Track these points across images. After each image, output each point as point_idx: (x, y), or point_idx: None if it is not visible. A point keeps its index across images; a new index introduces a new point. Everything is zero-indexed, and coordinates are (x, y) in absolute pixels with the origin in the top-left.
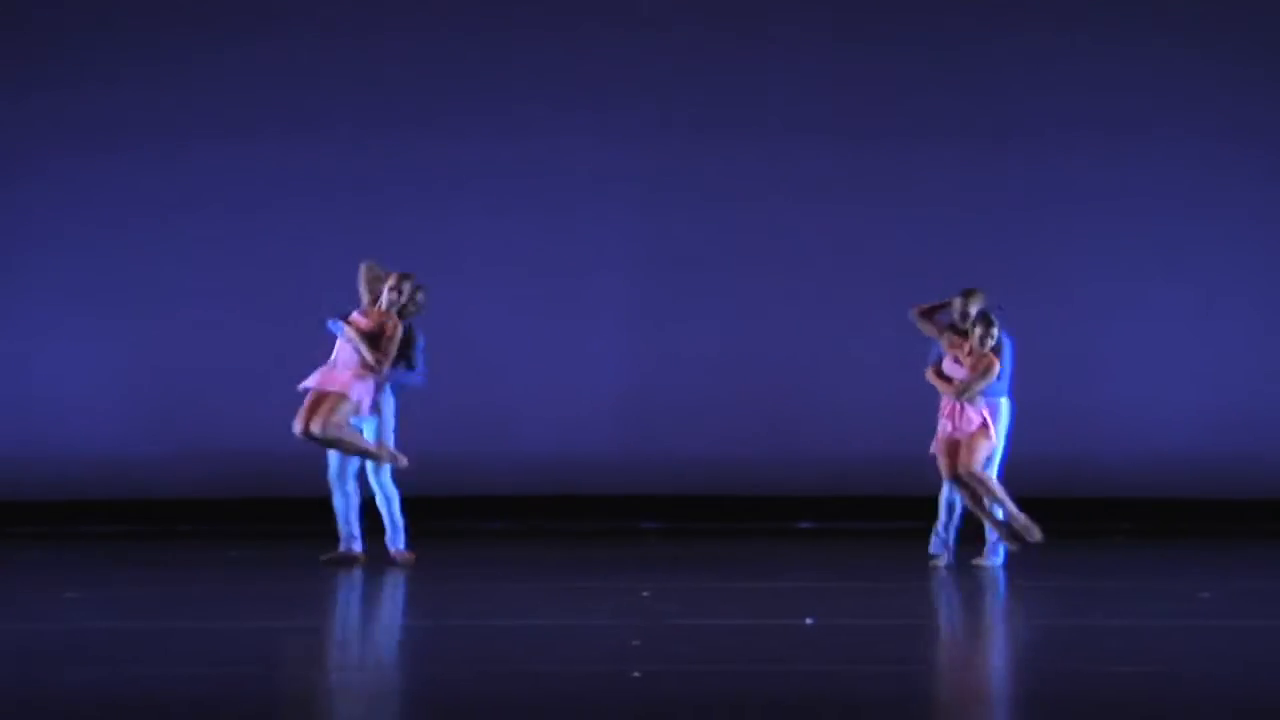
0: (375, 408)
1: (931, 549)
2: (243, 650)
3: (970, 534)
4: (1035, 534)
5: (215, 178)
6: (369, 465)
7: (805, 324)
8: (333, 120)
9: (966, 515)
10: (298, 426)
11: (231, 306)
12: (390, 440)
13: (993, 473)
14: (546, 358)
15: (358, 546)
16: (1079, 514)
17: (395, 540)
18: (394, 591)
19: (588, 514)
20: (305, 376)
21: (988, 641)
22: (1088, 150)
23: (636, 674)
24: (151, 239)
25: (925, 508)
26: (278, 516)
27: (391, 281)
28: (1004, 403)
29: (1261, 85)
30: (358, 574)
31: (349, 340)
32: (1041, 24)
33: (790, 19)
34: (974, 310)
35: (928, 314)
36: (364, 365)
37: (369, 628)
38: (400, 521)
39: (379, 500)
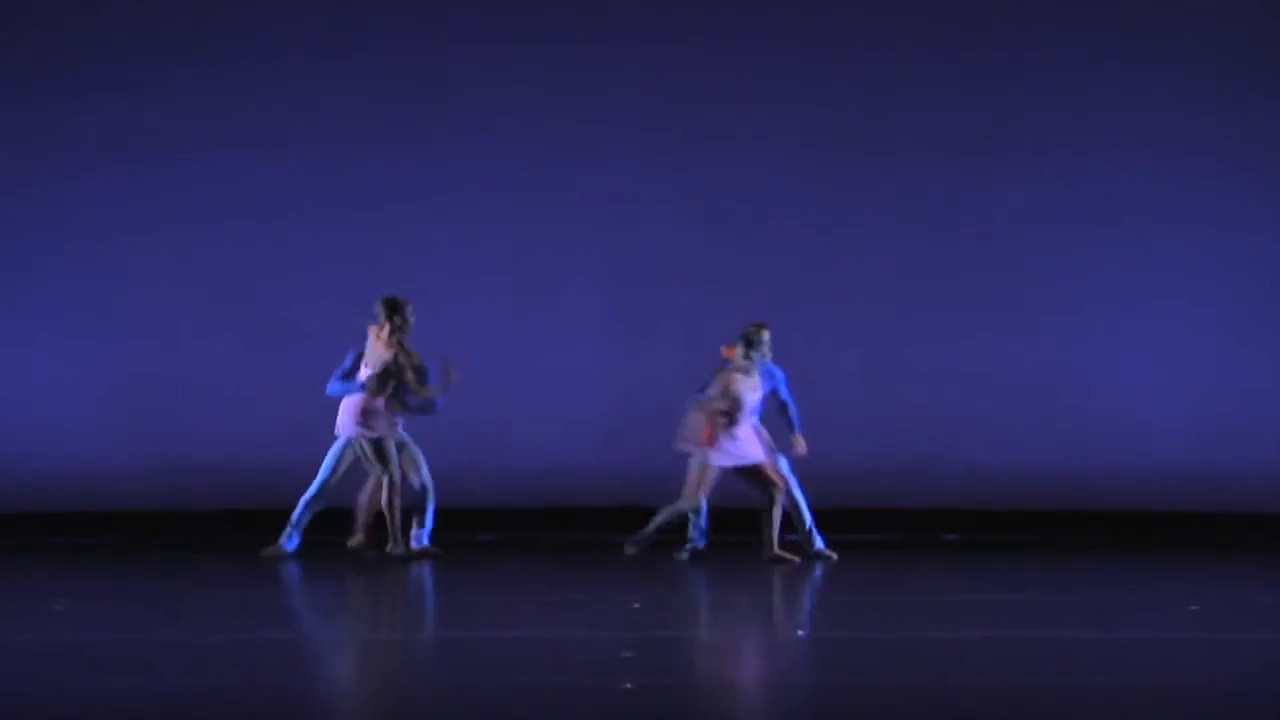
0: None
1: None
2: (226, 662)
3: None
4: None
5: (194, 192)
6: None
7: (789, 336)
8: (311, 136)
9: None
10: None
11: (208, 319)
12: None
13: None
14: (531, 370)
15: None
16: (1058, 526)
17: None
18: (383, 604)
19: (576, 526)
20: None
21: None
22: (1065, 167)
23: (628, 685)
24: (126, 252)
25: (930, 519)
26: (258, 528)
27: None
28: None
29: (1247, 104)
30: (346, 586)
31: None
32: (1045, 36)
33: (766, 32)
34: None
35: None
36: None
37: (356, 640)
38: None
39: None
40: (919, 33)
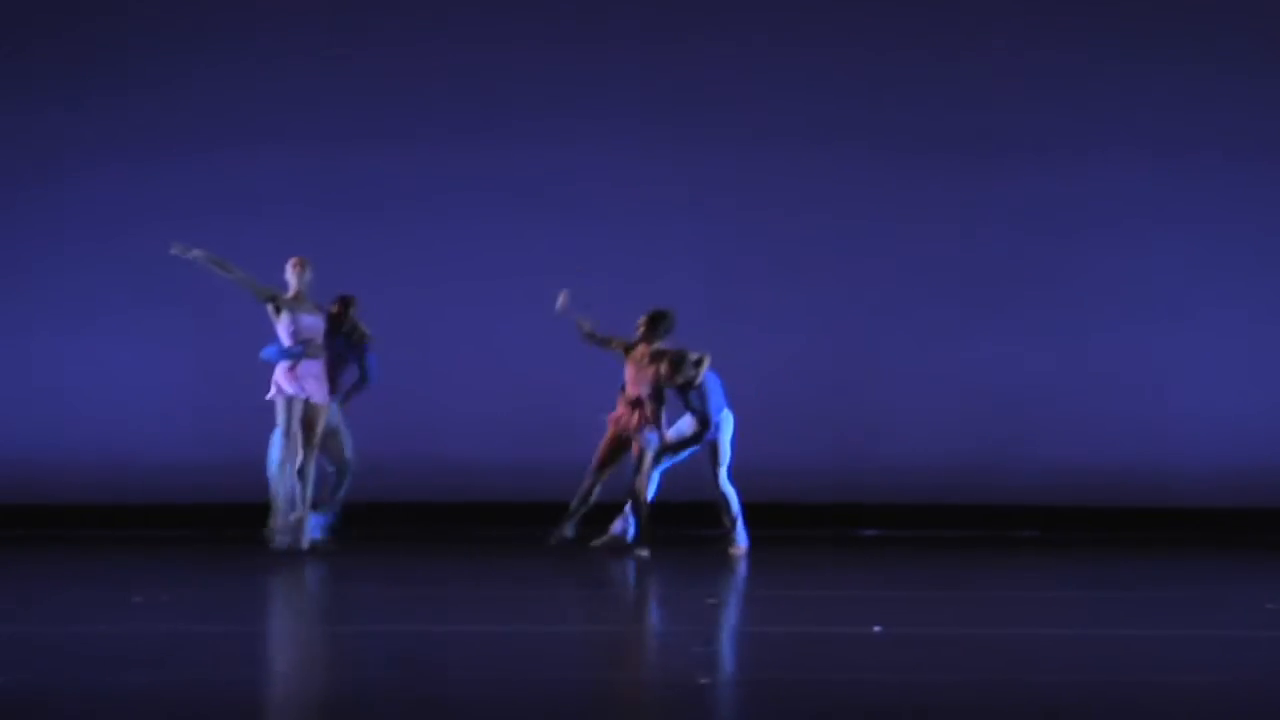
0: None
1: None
2: (295, 653)
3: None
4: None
5: (194, 192)
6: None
7: (786, 333)
8: (312, 135)
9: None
10: None
11: (208, 318)
12: None
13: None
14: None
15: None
16: (1138, 523)
17: None
18: (457, 598)
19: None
20: None
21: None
22: (1065, 167)
23: (703, 681)
24: (126, 251)
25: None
26: (231, 522)
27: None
28: None
29: (1247, 103)
30: (404, 579)
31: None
32: (1045, 36)
33: (766, 32)
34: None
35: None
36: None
37: (409, 633)
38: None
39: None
40: (919, 33)
